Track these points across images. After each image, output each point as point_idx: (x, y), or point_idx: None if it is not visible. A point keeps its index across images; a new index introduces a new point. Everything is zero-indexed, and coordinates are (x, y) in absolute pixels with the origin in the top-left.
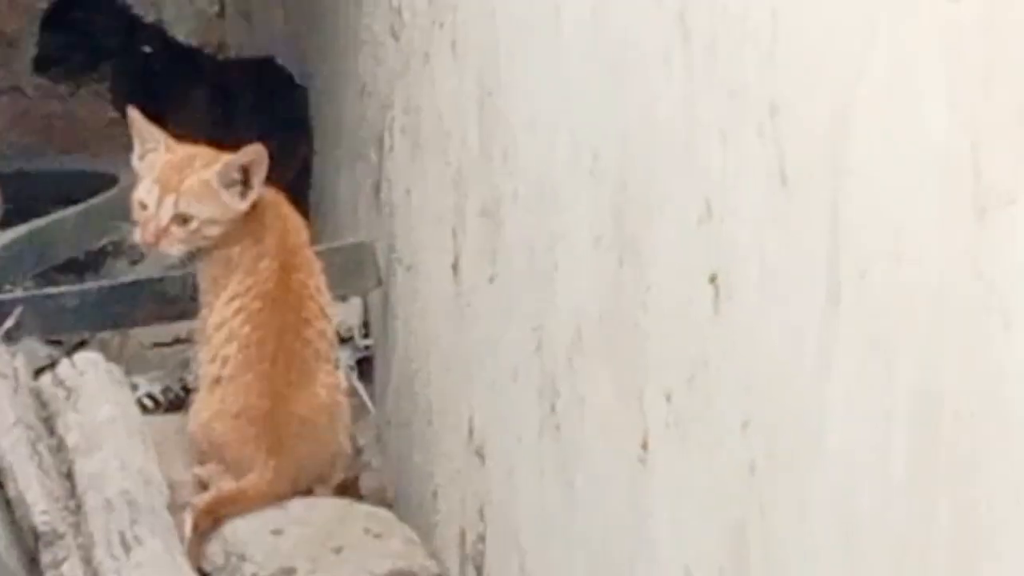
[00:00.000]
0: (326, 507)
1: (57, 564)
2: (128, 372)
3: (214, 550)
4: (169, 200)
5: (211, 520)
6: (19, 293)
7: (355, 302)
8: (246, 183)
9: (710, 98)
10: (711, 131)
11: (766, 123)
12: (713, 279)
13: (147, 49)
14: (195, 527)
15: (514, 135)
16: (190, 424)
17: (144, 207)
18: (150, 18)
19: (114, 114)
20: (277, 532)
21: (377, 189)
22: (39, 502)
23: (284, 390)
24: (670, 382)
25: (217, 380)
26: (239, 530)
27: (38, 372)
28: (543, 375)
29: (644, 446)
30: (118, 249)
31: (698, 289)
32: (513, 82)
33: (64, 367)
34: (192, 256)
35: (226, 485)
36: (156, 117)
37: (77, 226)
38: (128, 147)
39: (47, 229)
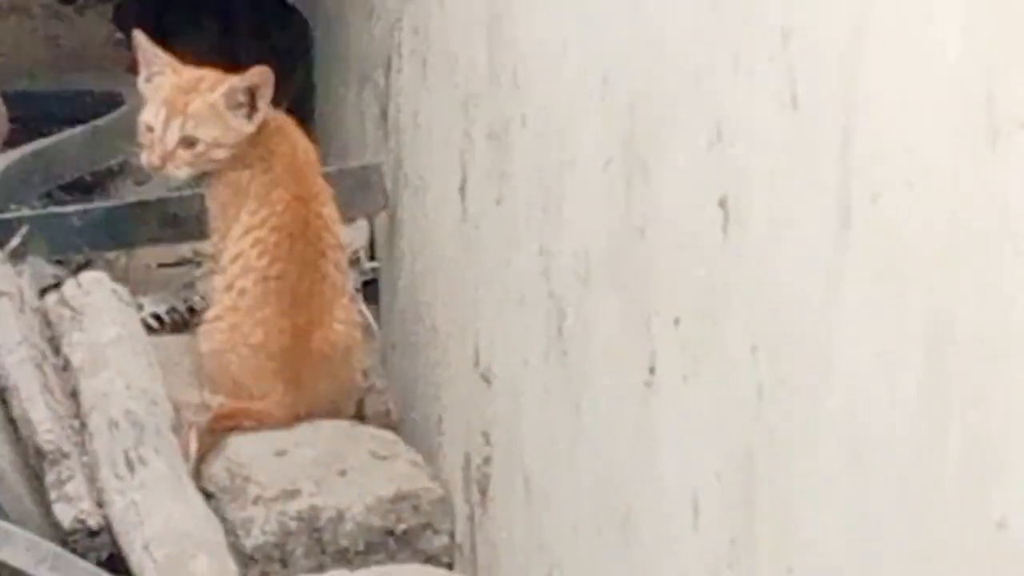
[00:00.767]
0: (330, 429)
1: (61, 483)
2: (133, 292)
3: (217, 471)
4: (175, 123)
5: (214, 436)
6: (25, 212)
7: (361, 224)
8: (252, 105)
9: (722, 21)
10: (723, 55)
11: (778, 47)
12: (723, 203)
13: None
14: (200, 442)
15: (523, 58)
16: (202, 347)
17: (150, 130)
18: None
19: (119, 35)
20: (281, 453)
21: (384, 112)
22: (44, 421)
23: (303, 326)
24: (678, 307)
25: (233, 310)
26: (243, 451)
27: (43, 292)
28: (550, 299)
29: (651, 371)
30: (124, 169)
31: (707, 213)
32: (522, 4)
33: (69, 287)
34: (199, 179)
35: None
36: (160, 40)
37: (83, 146)
38: (132, 68)
39: (53, 148)
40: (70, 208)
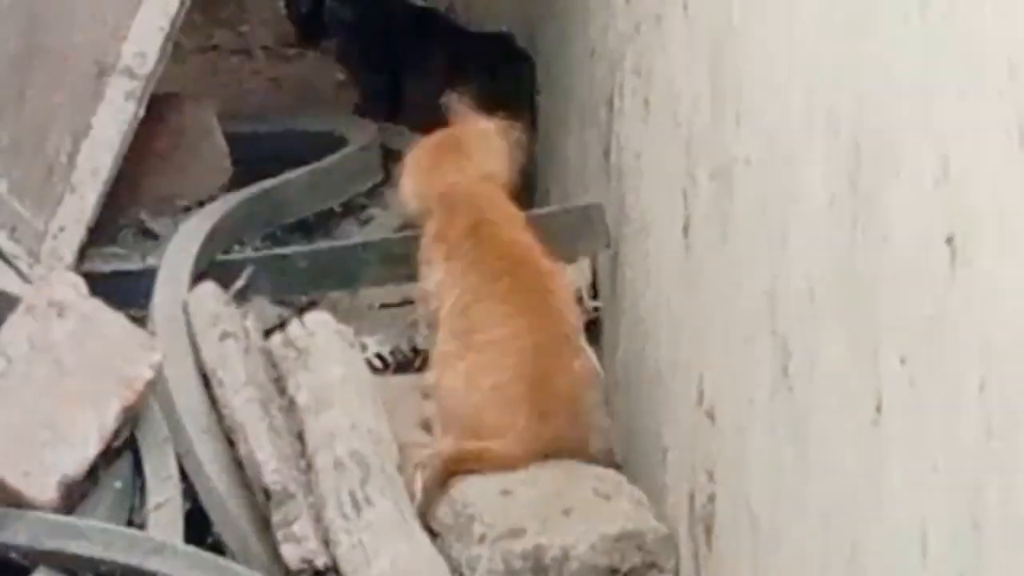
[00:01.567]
0: (555, 468)
1: (288, 523)
2: (357, 332)
3: (443, 511)
4: None
5: (444, 479)
6: (249, 253)
7: (583, 264)
8: None
9: (948, 56)
10: (949, 90)
11: (1005, 82)
12: (950, 240)
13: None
14: (429, 484)
15: (746, 95)
16: (436, 390)
17: None
18: None
19: (341, 76)
20: (506, 493)
21: (606, 151)
22: (270, 461)
23: (544, 363)
24: (904, 344)
25: (469, 348)
26: (468, 491)
27: (268, 332)
28: (775, 336)
29: (878, 408)
30: (347, 210)
31: (934, 250)
32: (746, 42)
33: (294, 327)
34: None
35: (470, 444)
36: (389, 77)
37: (306, 187)
38: (356, 109)
39: (277, 189)
40: (294, 249)
